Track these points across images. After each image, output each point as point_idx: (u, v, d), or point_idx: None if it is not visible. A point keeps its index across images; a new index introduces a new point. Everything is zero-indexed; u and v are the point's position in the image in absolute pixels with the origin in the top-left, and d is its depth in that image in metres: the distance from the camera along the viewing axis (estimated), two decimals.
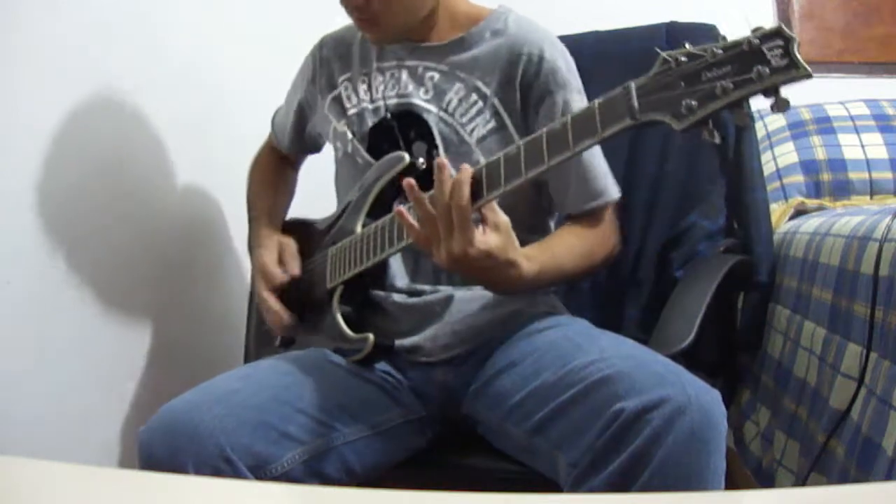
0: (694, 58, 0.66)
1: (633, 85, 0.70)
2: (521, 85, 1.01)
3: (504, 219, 0.83)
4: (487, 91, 1.02)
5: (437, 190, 0.81)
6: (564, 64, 1.03)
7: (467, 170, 0.81)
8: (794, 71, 0.61)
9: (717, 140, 0.66)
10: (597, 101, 0.73)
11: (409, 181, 0.82)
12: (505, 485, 0.93)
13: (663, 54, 0.68)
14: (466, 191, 0.79)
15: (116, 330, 1.16)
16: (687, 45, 0.67)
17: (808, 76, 0.60)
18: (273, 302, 1.04)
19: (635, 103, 0.69)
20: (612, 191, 1.04)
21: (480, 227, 0.82)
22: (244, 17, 1.52)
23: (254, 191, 1.23)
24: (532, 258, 0.88)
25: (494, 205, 0.83)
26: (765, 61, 0.62)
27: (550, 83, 1.01)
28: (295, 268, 1.07)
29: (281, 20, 1.62)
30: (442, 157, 0.82)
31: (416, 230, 0.84)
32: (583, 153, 0.99)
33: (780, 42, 0.62)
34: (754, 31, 0.63)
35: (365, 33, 1.05)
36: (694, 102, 0.65)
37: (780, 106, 0.63)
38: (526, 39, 1.03)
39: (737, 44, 0.64)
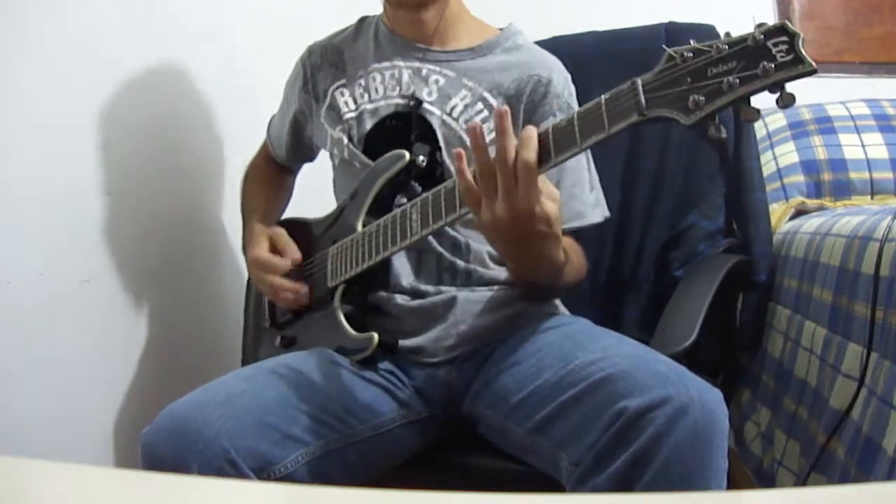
0: (699, 53, 0.66)
1: (639, 81, 0.70)
2: (526, 103, 1.05)
3: (556, 190, 0.80)
4: (494, 102, 1.04)
5: (500, 142, 0.76)
6: (568, 91, 1.09)
7: (532, 129, 0.76)
8: (799, 66, 0.61)
9: (724, 135, 0.66)
10: (603, 97, 0.73)
11: (475, 123, 0.78)
12: (506, 484, 0.93)
13: (669, 50, 0.68)
14: (535, 145, 0.75)
15: (116, 330, 1.16)
16: (692, 42, 0.67)
17: (814, 71, 0.61)
18: (284, 282, 1.02)
19: (642, 99, 0.69)
20: (592, 215, 1.04)
21: None
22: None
23: (248, 197, 1.22)
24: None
25: (545, 176, 0.79)
26: (770, 57, 0.62)
27: (554, 106, 1.05)
28: (294, 251, 1.04)
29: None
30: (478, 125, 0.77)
31: (469, 183, 0.79)
32: (571, 175, 1.01)
33: (784, 38, 0.62)
34: (758, 26, 0.64)
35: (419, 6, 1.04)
36: (701, 98, 0.65)
37: (786, 101, 0.63)
38: (539, 63, 1.08)
39: (742, 39, 0.64)
